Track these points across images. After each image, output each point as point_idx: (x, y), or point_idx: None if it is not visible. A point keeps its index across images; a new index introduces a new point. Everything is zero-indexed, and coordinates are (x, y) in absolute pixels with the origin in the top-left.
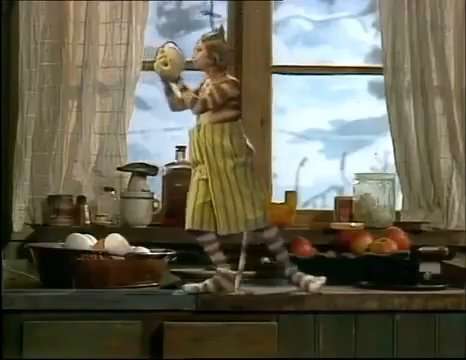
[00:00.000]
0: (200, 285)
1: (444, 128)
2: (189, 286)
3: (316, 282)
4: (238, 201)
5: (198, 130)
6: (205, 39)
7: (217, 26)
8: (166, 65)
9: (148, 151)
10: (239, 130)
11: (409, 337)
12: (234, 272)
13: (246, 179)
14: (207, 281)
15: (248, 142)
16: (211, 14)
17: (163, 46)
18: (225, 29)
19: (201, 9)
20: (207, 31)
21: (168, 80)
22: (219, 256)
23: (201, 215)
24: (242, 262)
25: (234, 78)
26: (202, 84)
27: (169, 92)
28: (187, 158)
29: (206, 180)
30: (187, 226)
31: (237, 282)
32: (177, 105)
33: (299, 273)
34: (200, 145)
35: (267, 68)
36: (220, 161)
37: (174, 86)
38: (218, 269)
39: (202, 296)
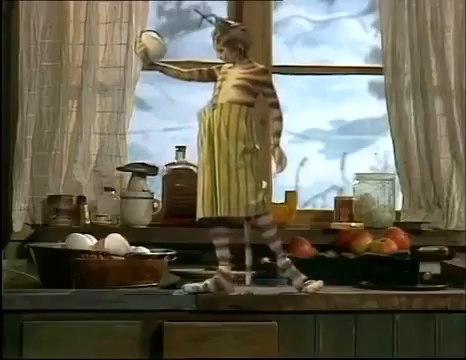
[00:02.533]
0: (200, 285)
1: (444, 128)
2: (189, 286)
3: (314, 283)
4: (242, 186)
5: (213, 109)
6: (218, 37)
7: (213, 20)
8: (141, 51)
9: (148, 151)
10: (253, 117)
11: (409, 337)
12: (233, 272)
13: (251, 166)
14: (207, 281)
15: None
16: (204, 16)
17: (141, 33)
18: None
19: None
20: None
21: (144, 64)
22: (225, 252)
23: (211, 201)
24: (248, 259)
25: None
26: (220, 68)
27: (164, 70)
28: (187, 158)
29: (211, 165)
30: (198, 215)
31: (248, 279)
32: (182, 76)
33: (294, 269)
34: (212, 125)
35: (267, 68)
36: (232, 143)
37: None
38: (219, 268)
39: (202, 296)
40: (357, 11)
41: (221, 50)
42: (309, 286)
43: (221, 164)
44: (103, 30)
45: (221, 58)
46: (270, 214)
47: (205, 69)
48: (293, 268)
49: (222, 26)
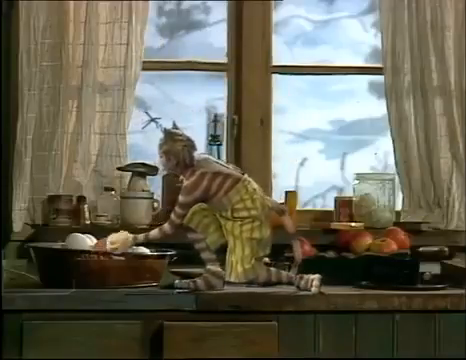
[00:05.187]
0: (191, 282)
1: (444, 128)
2: (180, 282)
3: (314, 282)
4: (236, 254)
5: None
6: (159, 147)
7: (162, 128)
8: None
9: (148, 151)
10: (241, 193)
11: (409, 337)
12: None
13: (251, 234)
14: (197, 279)
15: (264, 197)
16: (153, 120)
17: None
18: (170, 127)
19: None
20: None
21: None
22: (208, 254)
23: (200, 219)
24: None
25: (193, 179)
26: None
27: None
28: None
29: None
30: (185, 222)
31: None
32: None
33: (300, 275)
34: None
35: (267, 68)
36: (229, 222)
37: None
38: (208, 267)
39: (202, 296)
40: (357, 11)
41: (161, 156)
42: (313, 288)
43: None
44: (103, 30)
45: (162, 166)
46: (264, 274)
47: None
48: (298, 278)
49: (165, 135)
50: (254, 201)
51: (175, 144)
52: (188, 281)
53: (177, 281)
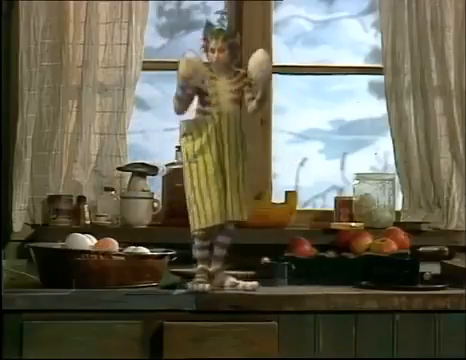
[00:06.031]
0: (205, 286)
1: (444, 128)
2: (194, 284)
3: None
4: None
5: (219, 121)
6: (225, 38)
7: (225, 23)
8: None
9: (148, 151)
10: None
11: (409, 337)
12: (234, 272)
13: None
14: (206, 282)
15: None
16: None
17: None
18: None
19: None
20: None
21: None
22: (206, 253)
23: (221, 208)
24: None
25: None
26: (203, 81)
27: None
28: None
29: (221, 174)
30: (209, 223)
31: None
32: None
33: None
34: (218, 136)
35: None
36: (239, 151)
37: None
38: (203, 267)
39: (202, 296)
40: (357, 11)
41: (223, 50)
42: (248, 283)
43: (233, 171)
44: (103, 30)
45: (216, 59)
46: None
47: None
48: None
49: (230, 28)
50: None
51: (236, 38)
52: (199, 281)
53: (190, 284)
